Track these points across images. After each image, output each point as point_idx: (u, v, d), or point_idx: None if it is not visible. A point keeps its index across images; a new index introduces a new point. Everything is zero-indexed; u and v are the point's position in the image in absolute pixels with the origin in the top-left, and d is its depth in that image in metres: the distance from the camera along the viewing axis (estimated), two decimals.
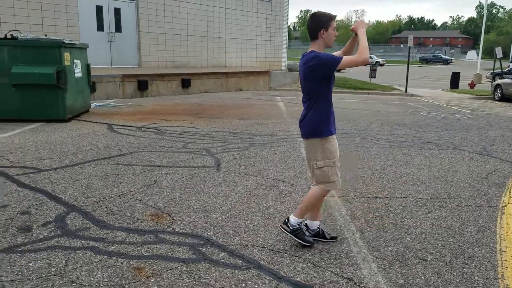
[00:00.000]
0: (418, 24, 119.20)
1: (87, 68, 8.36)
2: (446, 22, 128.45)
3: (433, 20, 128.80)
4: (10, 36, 7.00)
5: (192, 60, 16.74)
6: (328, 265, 2.65)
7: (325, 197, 3.05)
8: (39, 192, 3.75)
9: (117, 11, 13.72)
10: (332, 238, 3.04)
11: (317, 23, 2.78)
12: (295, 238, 2.89)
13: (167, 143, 5.92)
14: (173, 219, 3.27)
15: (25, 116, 7.06)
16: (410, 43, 18.53)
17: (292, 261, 2.68)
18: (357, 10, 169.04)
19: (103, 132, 6.58)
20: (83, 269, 2.50)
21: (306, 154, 3.00)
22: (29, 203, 3.47)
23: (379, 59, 51.89)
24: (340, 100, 13.49)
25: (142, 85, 11.72)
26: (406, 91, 17.84)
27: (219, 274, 2.49)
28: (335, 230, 3.17)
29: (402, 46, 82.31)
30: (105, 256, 2.65)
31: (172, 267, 2.55)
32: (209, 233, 3.04)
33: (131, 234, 2.98)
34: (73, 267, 2.51)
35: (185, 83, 13.17)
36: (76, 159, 4.88)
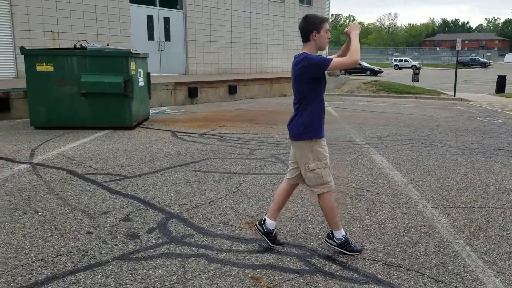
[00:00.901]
0: (452, 27, 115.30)
1: (148, 77, 8.61)
2: (481, 25, 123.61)
3: (467, 22, 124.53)
4: (79, 46, 7.31)
5: (236, 67, 16.92)
6: (450, 280, 2.54)
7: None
8: (133, 198, 3.86)
9: (166, 20, 14.10)
10: (279, 244, 2.96)
11: (309, 25, 2.77)
12: (343, 251, 2.85)
13: (234, 150, 5.97)
14: None
15: (93, 123, 7.34)
16: (459, 46, 17.86)
17: (411, 275, 2.59)
18: (389, 14, 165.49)
19: (169, 139, 6.72)
20: (203, 277, 2.52)
21: (294, 156, 2.94)
22: (127, 210, 3.57)
23: (416, 63, 50.35)
24: (390, 104, 13.22)
25: (192, 92, 11.94)
26: (454, 95, 17.22)
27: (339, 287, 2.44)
28: (442, 243, 3.05)
29: (438, 49, 79.76)
30: (219, 264, 2.67)
31: (288, 278, 2.52)
32: (311, 244, 3.00)
33: (235, 242, 2.99)
34: (192, 275, 2.55)
35: (232, 90, 13.32)
36: (155, 166, 5.00)
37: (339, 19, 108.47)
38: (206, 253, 2.83)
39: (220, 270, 2.60)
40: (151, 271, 2.59)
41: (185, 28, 14.79)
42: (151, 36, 13.74)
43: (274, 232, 2.98)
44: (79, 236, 3.07)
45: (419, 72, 22.08)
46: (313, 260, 2.76)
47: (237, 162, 5.29)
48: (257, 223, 3.05)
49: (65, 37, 11.41)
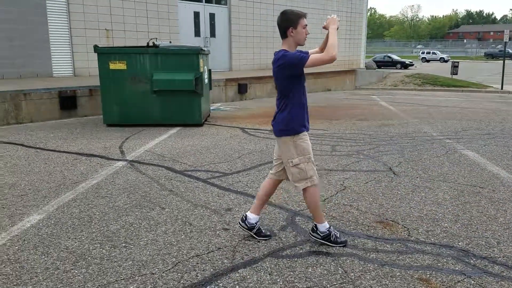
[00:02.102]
0: (476, 18, 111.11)
1: (209, 74, 8.65)
2: (506, 16, 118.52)
3: (492, 13, 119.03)
4: (152, 44, 7.39)
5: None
6: None
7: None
8: (245, 195, 3.87)
9: (212, 16, 14.14)
10: (265, 236, 3.02)
11: (285, 21, 2.77)
12: (328, 243, 2.90)
13: (313, 146, 5.84)
14: (404, 227, 3.20)
15: (164, 121, 7.43)
16: (506, 37, 17.27)
17: None
18: (412, 6, 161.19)
19: (242, 135, 6.73)
20: (367, 277, 2.49)
21: (277, 152, 2.99)
22: (248, 207, 3.58)
23: (444, 55, 48.92)
24: (441, 98, 12.88)
25: (242, 88, 11.95)
26: (502, 88, 16.61)
27: None
28: None
29: (465, 41, 77.05)
30: (375, 265, 2.63)
31: (457, 280, 2.46)
32: (459, 244, 2.92)
33: (377, 242, 2.95)
34: (355, 275, 2.51)
35: None
36: (246, 163, 5.01)
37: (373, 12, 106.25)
38: (354, 252, 2.80)
39: (380, 270, 2.56)
40: (310, 269, 2.57)
41: (229, 24, 14.79)
42: (197, 33, 13.81)
43: (257, 225, 3.04)
44: (218, 232, 3.09)
45: (458, 65, 21.38)
46: (471, 261, 2.68)
47: (324, 159, 5.24)
48: (239, 220, 3.10)
49: (118, 35, 11.60)
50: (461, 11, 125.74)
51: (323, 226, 2.93)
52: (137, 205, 3.62)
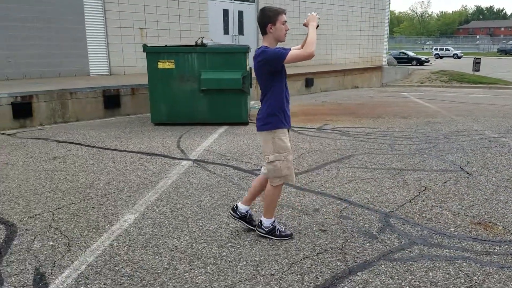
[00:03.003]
0: (486, 14, 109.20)
1: (250, 72, 8.64)
2: None
3: (503, 9, 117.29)
4: (200, 43, 7.39)
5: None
6: None
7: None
8: (325, 195, 3.84)
9: (240, 14, 14.12)
10: (254, 226, 3.10)
11: (264, 18, 2.81)
12: (273, 238, 2.98)
13: (370, 145, 5.86)
14: (505, 228, 3.15)
15: (211, 120, 7.44)
16: None
17: None
18: (422, 1, 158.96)
19: (293, 134, 6.66)
20: (492, 280, 2.46)
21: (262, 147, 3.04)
22: (334, 207, 3.56)
23: (457, 51, 48.23)
24: (473, 95, 12.70)
25: None
26: None
27: None
28: None
29: (478, 37, 75.63)
30: (494, 268, 2.59)
31: None
32: None
33: (485, 244, 2.90)
34: (478, 278, 2.48)
35: (309, 82, 13.20)
36: (310, 162, 4.97)
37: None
38: (466, 255, 2.76)
39: (502, 273, 2.53)
40: (430, 273, 2.55)
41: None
42: (226, 31, 13.80)
43: (249, 214, 3.13)
44: (316, 233, 3.09)
45: (480, 61, 21.07)
46: None
47: (388, 157, 5.18)
48: (230, 210, 3.20)
49: (151, 33, 11.63)
50: (471, 7, 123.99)
51: (269, 221, 3.02)
52: (223, 205, 3.63)
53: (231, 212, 3.15)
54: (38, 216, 3.40)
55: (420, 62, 34.96)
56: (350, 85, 15.10)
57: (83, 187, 4.10)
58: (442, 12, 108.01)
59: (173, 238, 3.00)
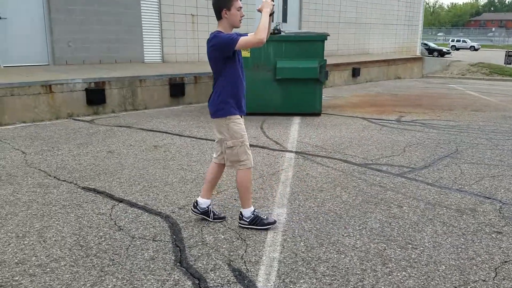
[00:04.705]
0: (498, 6, 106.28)
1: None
2: None
3: None
4: (277, 31, 7.21)
5: (341, 48, 16.43)
6: None
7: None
8: (469, 194, 3.71)
9: (285, 1, 13.84)
10: (219, 218, 3.08)
11: (219, 2, 2.79)
12: (255, 227, 2.94)
13: (467, 139, 5.64)
14: None
15: (284, 110, 7.28)
16: None
17: None
18: None
19: (374, 126, 6.51)
20: None
21: (216, 134, 3.01)
22: (491, 207, 3.44)
23: (474, 44, 47.31)
24: None
25: (324, 75, 11.73)
26: None
27: None
28: None
29: (494, 29, 73.71)
30: None
31: None
32: None
33: None
34: None
35: (356, 72, 12.96)
36: (424, 157, 4.80)
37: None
38: None
39: None
40: None
41: (300, 9, 14.49)
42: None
43: (210, 209, 3.07)
44: (493, 236, 2.95)
45: None
46: None
47: (499, 153, 4.98)
48: (191, 207, 3.12)
49: (202, 20, 11.44)
50: None
51: (248, 211, 2.97)
52: (366, 201, 3.51)
53: (192, 209, 3.10)
54: (186, 207, 3.33)
55: (442, 54, 34.30)
56: (393, 75, 14.83)
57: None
58: (452, 3, 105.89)
59: (343, 235, 2.90)
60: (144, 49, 10.38)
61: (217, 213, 3.11)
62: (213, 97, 2.89)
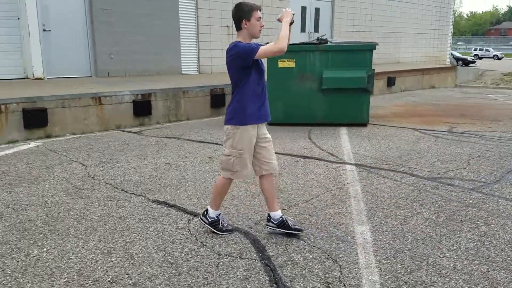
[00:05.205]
0: None
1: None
2: None
3: None
4: (323, 41, 7.12)
5: (373, 57, 16.25)
6: None
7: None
8: None
9: (316, 11, 13.80)
10: (296, 229, 3.00)
11: (239, 13, 2.81)
12: (212, 229, 2.99)
13: None
14: None
15: (329, 120, 7.15)
16: None
17: None
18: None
19: (427, 137, 6.29)
20: None
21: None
22: None
23: (497, 53, 46.24)
24: None
25: None
26: None
27: None
28: None
29: None
30: None
31: None
32: None
33: None
34: None
35: (391, 82, 12.73)
36: (492, 171, 4.58)
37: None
38: None
39: None
40: None
41: (332, 19, 14.42)
42: (303, 28, 13.51)
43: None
44: None
45: None
46: None
47: None
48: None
49: (234, 31, 11.48)
50: (502, 7, 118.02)
51: (214, 212, 3.01)
52: (450, 219, 3.32)
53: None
54: (261, 222, 3.20)
55: (466, 63, 33.58)
56: (428, 84, 14.51)
57: (286, 191, 3.90)
58: (472, 12, 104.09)
59: (439, 256, 2.73)
60: (182, 61, 10.47)
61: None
62: (230, 106, 2.92)
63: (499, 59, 43.58)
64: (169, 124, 7.34)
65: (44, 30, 8.40)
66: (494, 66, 24.24)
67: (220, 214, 3.05)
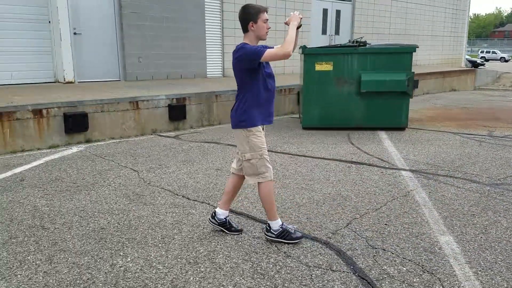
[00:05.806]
0: None
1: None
2: None
3: None
4: (361, 44, 7.03)
5: None
6: None
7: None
8: None
9: (338, 13, 13.71)
10: (236, 231, 3.06)
11: (246, 15, 2.79)
12: (282, 241, 2.90)
13: None
14: None
15: (366, 124, 7.05)
16: None
17: None
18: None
19: (470, 142, 6.16)
20: None
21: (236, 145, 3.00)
22: None
23: (504, 55, 45.88)
24: None
25: None
26: None
27: None
28: None
29: None
30: None
31: None
32: None
33: None
34: None
35: (414, 84, 12.63)
36: None
37: None
38: None
39: None
40: None
41: (352, 21, 14.31)
42: (324, 30, 13.42)
43: (227, 221, 3.07)
44: None
45: None
46: None
47: None
48: (209, 217, 3.13)
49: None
50: (506, 9, 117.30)
51: (276, 223, 2.93)
52: None
53: (210, 219, 3.11)
54: (338, 232, 3.11)
55: (475, 65, 33.28)
56: (449, 87, 14.38)
57: (338, 199, 3.79)
58: (475, 14, 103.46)
59: None
60: (207, 64, 10.40)
61: (234, 226, 3.09)
62: (236, 108, 2.89)
63: (506, 61, 43.29)
64: (203, 129, 7.25)
65: (75, 33, 8.37)
66: (505, 69, 24.02)
67: (283, 224, 2.94)
